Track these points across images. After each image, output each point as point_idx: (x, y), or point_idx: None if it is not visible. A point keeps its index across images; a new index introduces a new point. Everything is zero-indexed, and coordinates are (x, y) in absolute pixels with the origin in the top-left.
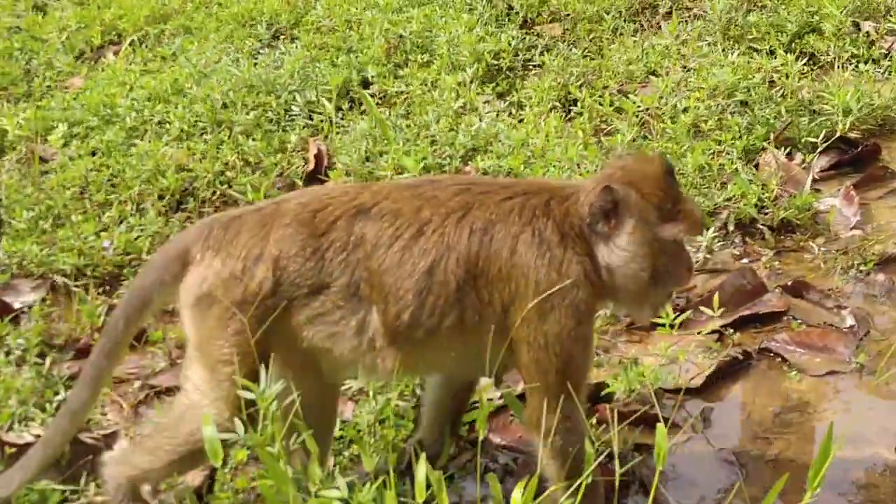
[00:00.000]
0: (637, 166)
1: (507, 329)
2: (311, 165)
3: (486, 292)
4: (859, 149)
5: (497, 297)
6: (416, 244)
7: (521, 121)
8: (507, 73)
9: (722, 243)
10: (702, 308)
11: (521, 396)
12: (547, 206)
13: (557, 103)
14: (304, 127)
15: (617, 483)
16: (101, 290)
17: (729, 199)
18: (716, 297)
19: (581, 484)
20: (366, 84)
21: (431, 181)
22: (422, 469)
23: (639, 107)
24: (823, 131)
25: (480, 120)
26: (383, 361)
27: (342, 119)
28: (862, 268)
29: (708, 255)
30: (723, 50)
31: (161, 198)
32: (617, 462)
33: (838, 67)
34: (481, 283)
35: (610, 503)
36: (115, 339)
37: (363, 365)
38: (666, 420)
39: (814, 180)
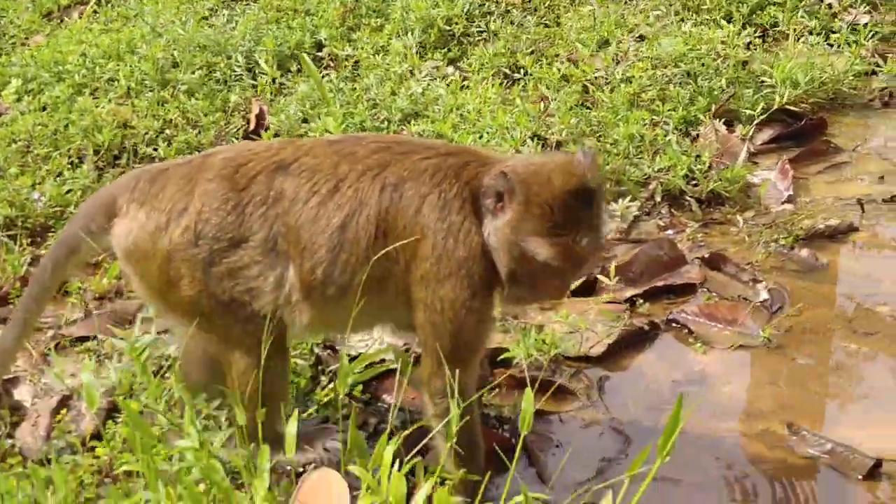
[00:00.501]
0: (552, 172)
1: (409, 288)
2: (253, 125)
3: (393, 250)
4: (803, 122)
5: (402, 255)
6: (332, 200)
7: (464, 87)
8: (461, 39)
9: (648, 214)
10: (599, 277)
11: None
12: (460, 170)
13: (507, 70)
14: (250, 88)
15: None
16: (30, 241)
17: (660, 170)
18: (612, 266)
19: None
20: (320, 47)
21: (355, 138)
22: (293, 425)
23: (585, 75)
24: (763, 104)
25: (420, 85)
26: (300, 316)
27: (289, 81)
28: (783, 242)
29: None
30: (680, 20)
31: (97, 153)
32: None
33: (793, 40)
34: (389, 240)
35: (493, 467)
36: (42, 285)
37: (287, 321)
38: (562, 387)
39: (754, 153)
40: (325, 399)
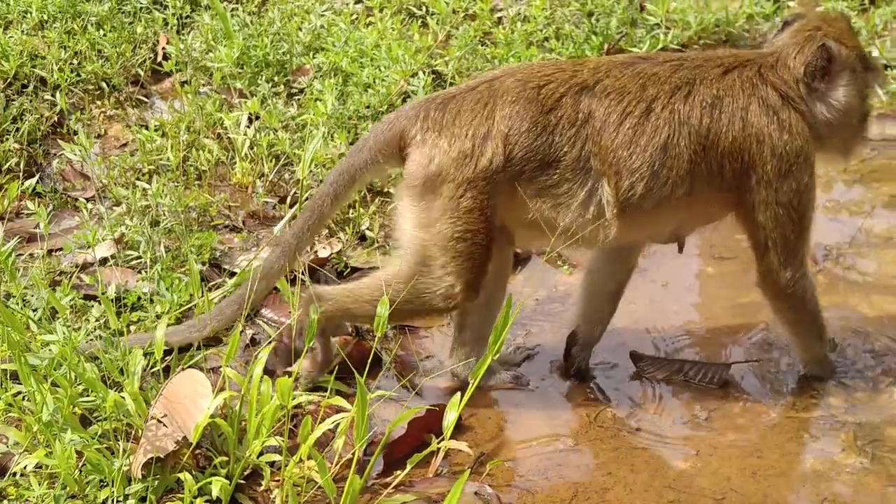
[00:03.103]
0: (832, 23)
1: (738, 194)
2: (160, 57)
3: (716, 163)
4: None
5: (728, 167)
6: (648, 121)
7: (370, 24)
8: None
9: None
10: None
11: None
12: (762, 76)
13: (412, 7)
14: (160, 21)
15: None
16: None
17: None
18: None
19: None
20: None
21: (643, 59)
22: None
23: (487, 14)
24: (647, 44)
25: (321, 20)
26: (606, 231)
27: (198, 15)
28: None
29: None
30: None
31: (6, 81)
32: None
33: None
34: (711, 154)
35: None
36: (321, 214)
37: (584, 234)
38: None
39: None
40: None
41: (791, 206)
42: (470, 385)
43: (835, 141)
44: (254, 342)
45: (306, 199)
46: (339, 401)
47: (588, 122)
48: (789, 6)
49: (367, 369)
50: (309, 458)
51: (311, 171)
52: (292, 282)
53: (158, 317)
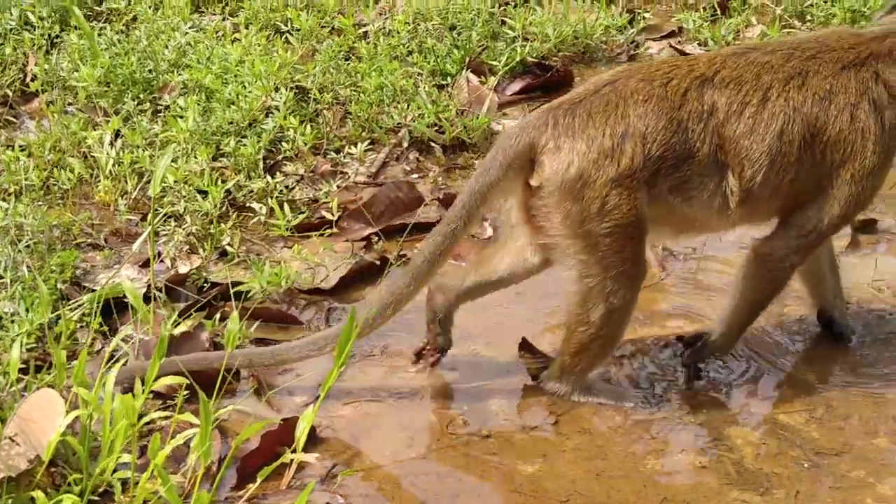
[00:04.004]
0: None
1: (830, 182)
2: (31, 77)
3: (820, 152)
4: (549, 74)
5: (829, 157)
6: (765, 109)
7: (235, 41)
8: None
9: (397, 160)
10: (323, 212)
11: None
12: (876, 74)
13: (279, 23)
14: (29, 42)
15: None
16: None
17: (411, 119)
18: (334, 201)
19: None
20: (100, 2)
21: (754, 48)
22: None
23: (354, 30)
24: (514, 57)
25: (186, 37)
26: (727, 220)
27: (67, 35)
28: None
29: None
30: None
31: None
32: None
33: None
34: (817, 144)
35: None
36: (454, 237)
37: (710, 226)
38: (292, 317)
39: (505, 104)
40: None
41: (858, 202)
42: (320, 397)
43: None
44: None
45: (165, 215)
46: (190, 417)
47: (713, 114)
48: (645, 17)
49: (224, 384)
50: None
51: (170, 188)
52: (146, 299)
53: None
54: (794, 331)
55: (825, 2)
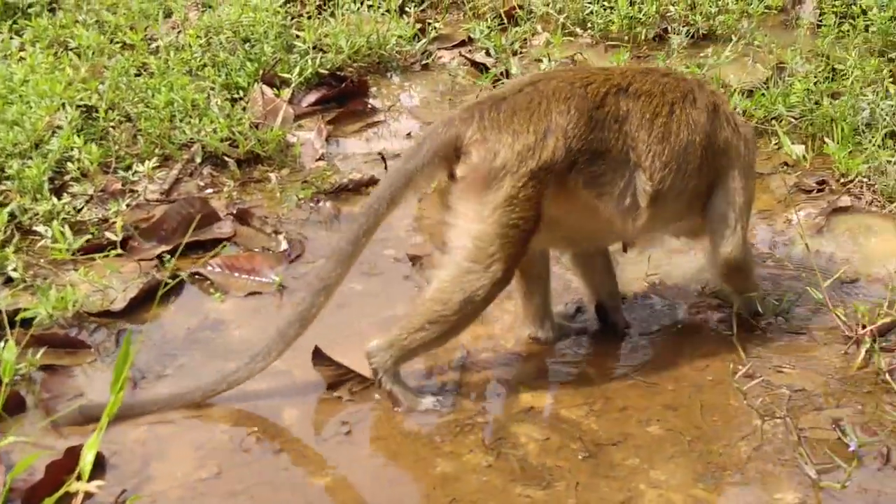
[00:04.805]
0: None
1: (710, 189)
2: None
3: (709, 162)
4: (343, 85)
5: (717, 164)
6: (672, 120)
7: (22, 59)
8: (26, 11)
9: (191, 175)
10: (107, 233)
11: None
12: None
13: (69, 39)
14: None
15: None
16: None
17: (203, 134)
18: (119, 221)
19: None
20: None
21: (656, 69)
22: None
23: (145, 45)
24: (300, 68)
25: None
26: (635, 221)
27: None
28: (308, 196)
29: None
30: None
31: None
32: None
33: (346, 11)
34: (708, 153)
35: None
36: (377, 216)
37: (617, 225)
38: (79, 341)
39: (301, 115)
40: None
41: (745, 195)
42: (101, 424)
43: None
44: None
45: None
46: None
47: (627, 119)
48: (436, 27)
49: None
50: None
51: None
52: None
53: None
54: (577, 326)
55: (604, 10)
